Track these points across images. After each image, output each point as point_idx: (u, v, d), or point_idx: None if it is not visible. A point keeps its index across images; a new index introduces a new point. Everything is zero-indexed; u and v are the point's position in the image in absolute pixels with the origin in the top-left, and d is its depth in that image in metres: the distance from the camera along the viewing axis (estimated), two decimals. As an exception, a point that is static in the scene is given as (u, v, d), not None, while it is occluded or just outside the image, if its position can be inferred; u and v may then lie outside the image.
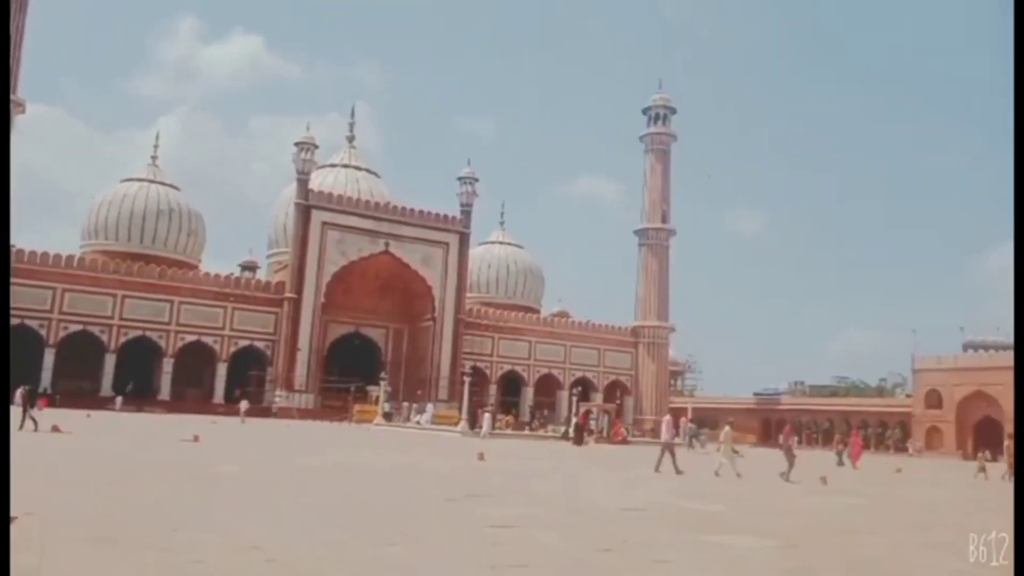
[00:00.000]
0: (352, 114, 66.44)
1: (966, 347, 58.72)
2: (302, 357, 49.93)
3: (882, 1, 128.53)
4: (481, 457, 18.10)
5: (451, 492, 10.89)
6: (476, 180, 57.35)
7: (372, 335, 57.03)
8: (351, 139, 64.66)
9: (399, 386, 52.57)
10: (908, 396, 62.32)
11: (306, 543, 6.08)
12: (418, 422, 41.42)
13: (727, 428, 19.65)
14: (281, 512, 8.02)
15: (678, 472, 16.99)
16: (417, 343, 56.43)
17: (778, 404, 70.55)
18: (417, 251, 54.46)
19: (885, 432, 62.06)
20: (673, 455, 17.90)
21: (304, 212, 51.14)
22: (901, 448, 55.64)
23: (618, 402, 58.50)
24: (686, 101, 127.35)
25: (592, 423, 43.80)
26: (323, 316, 51.87)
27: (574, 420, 43.45)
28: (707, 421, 64.33)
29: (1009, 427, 51.28)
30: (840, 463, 26.88)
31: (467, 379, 39.31)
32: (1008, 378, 52.90)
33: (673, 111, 63.44)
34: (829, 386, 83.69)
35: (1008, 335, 57.31)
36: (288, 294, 50.22)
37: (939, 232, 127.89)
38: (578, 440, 33.22)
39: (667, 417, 20.56)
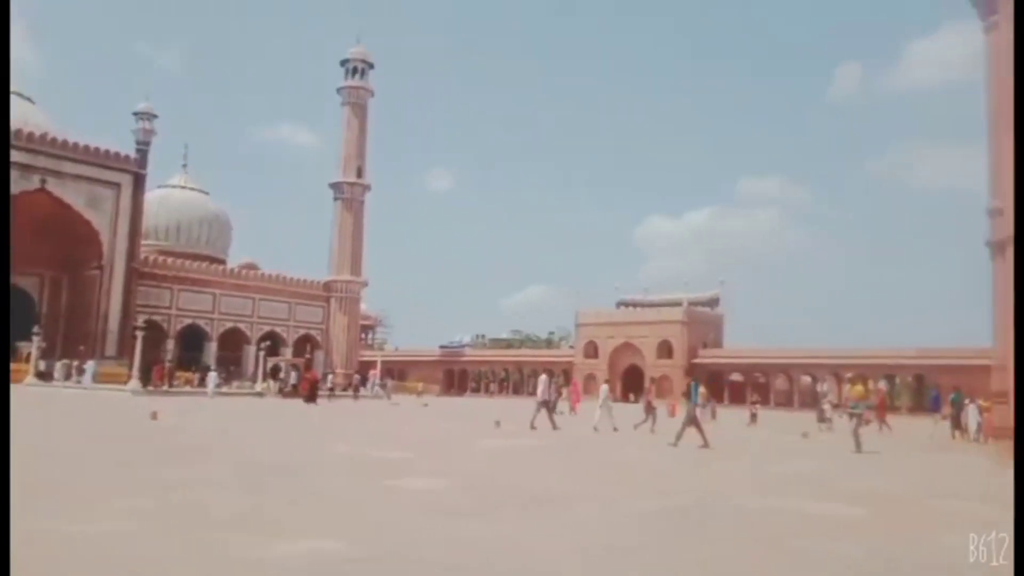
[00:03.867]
0: (-4, 24, 56.43)
1: (619, 304, 66.91)
2: (-74, 309, 42.10)
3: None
4: (154, 416, 16.99)
5: (118, 456, 10.20)
6: (155, 116, 52.22)
7: (23, 284, 49.65)
8: (-5, 54, 54.97)
9: (57, 342, 46.75)
10: (571, 347, 69.67)
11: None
12: (78, 381, 37.32)
13: (604, 386, 20.62)
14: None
15: (555, 428, 18.01)
16: (81, 294, 50.39)
17: (462, 356, 74.88)
18: (82, 191, 48.35)
19: (552, 379, 68.57)
20: (550, 412, 18.90)
21: (-70, 136, 42.67)
22: (561, 393, 62.13)
23: (308, 356, 57.73)
24: (386, 57, 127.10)
25: (287, 378, 42.99)
26: (-44, 261, 44.03)
27: (289, 375, 42.27)
28: (396, 373, 66.42)
29: (651, 372, 59.90)
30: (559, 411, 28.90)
31: (139, 333, 36.18)
32: (650, 331, 61.63)
33: (371, 66, 63.08)
34: (506, 339, 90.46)
35: (652, 294, 66.55)
36: (-94, 233, 41.82)
37: (604, 202, 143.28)
38: (310, 397, 32.18)
39: (543, 376, 21.02)
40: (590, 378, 60.83)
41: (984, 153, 18.06)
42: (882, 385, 26.39)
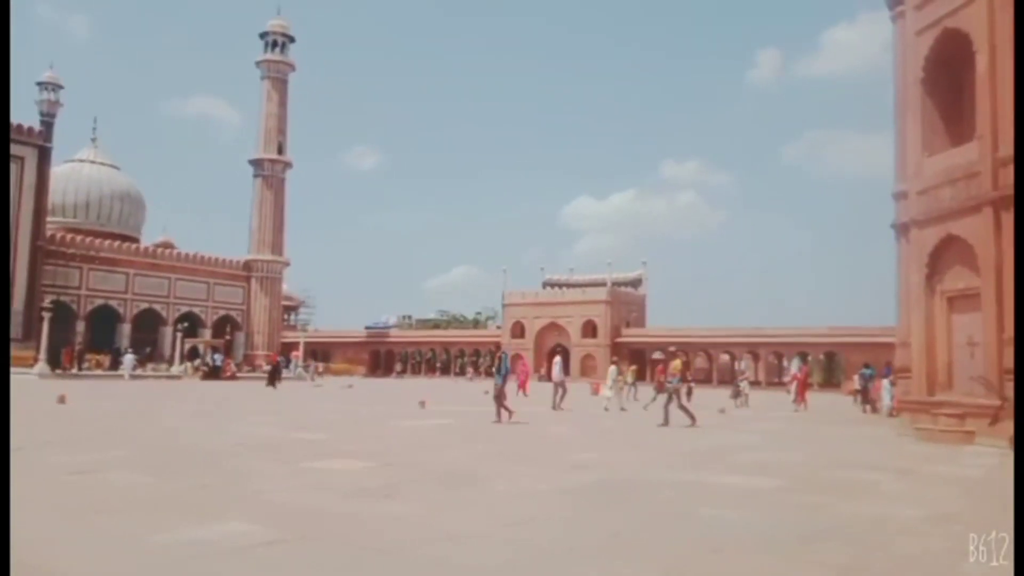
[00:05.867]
0: None
1: (545, 285, 67.46)
2: None
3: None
4: (62, 400, 16.28)
5: (18, 440, 9.72)
6: (60, 87, 49.71)
7: (-85, 262, 46.90)
8: None
9: (-45, 324, 44.24)
10: (498, 327, 69.94)
11: None
12: (-20, 365, 35.46)
13: (613, 367, 20.85)
14: None
15: (558, 408, 18.20)
16: (-20, 273, 47.78)
17: (387, 337, 74.31)
18: (-20, 164, 45.71)
19: (478, 359, 68.97)
20: (563, 393, 19.13)
21: None
22: (491, 374, 62.40)
23: (228, 338, 56.23)
24: (308, 31, 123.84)
25: (207, 360, 41.87)
26: None
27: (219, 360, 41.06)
28: (320, 355, 65.38)
29: (577, 351, 60.58)
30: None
31: (46, 315, 34.57)
32: (575, 311, 62.37)
33: (291, 39, 61.38)
34: (433, 319, 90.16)
35: (577, 274, 67.30)
36: None
37: (531, 183, 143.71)
38: (272, 381, 31.48)
39: (557, 358, 21.44)
40: (516, 358, 61.17)
41: (892, 139, 18.79)
42: (797, 363, 27.19)
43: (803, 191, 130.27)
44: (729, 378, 40.45)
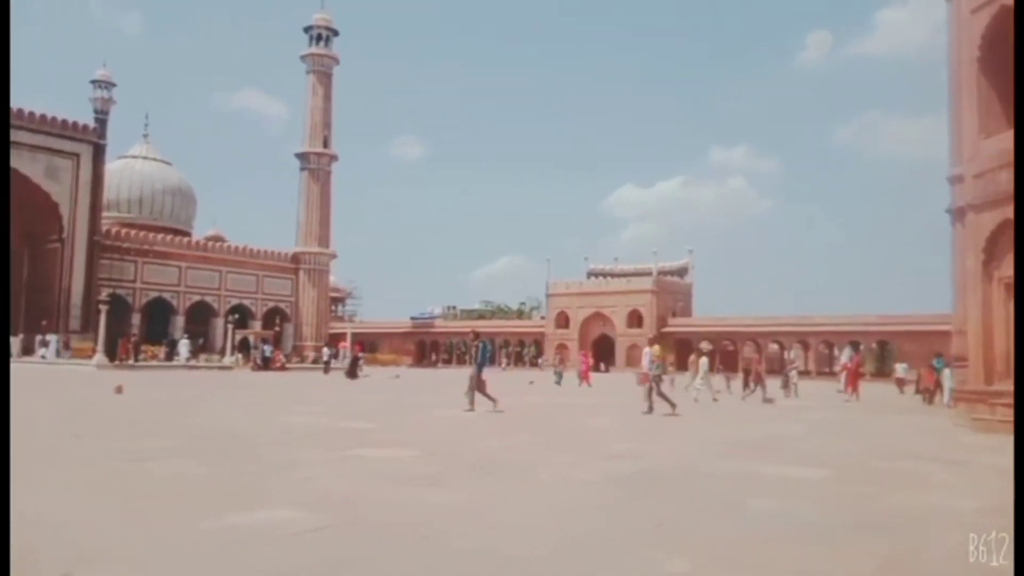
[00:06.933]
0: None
1: (589, 274, 67.18)
2: None
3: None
4: (119, 390, 16.76)
5: (77, 429, 10.05)
6: (113, 85, 51.02)
7: (-20, 258, 48.72)
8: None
9: (19, 317, 45.85)
10: (542, 318, 69.90)
11: None
12: (43, 356, 36.75)
13: (704, 358, 20.56)
14: None
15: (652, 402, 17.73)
16: (41, 268, 49.39)
17: (433, 327, 74.80)
18: (39, 162, 47.19)
19: (523, 350, 69.08)
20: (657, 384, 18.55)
21: None
22: (536, 364, 62.56)
23: (277, 329, 57.33)
24: (353, 23, 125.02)
25: (257, 352, 42.70)
26: (-91, 235, 42.86)
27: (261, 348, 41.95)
28: (367, 345, 66.18)
29: (622, 341, 60.34)
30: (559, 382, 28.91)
31: (103, 307, 35.61)
32: (620, 301, 62.04)
33: (336, 32, 61.99)
34: (477, 310, 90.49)
35: (622, 263, 66.88)
36: None
37: (574, 173, 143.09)
38: (352, 373, 31.96)
39: (647, 349, 20.83)
40: (561, 348, 61.15)
41: (946, 121, 18.25)
42: (848, 352, 26.55)
43: (854, 175, 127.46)
44: (778, 368, 39.80)
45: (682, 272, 65.90)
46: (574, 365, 39.87)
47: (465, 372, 15.99)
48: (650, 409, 14.45)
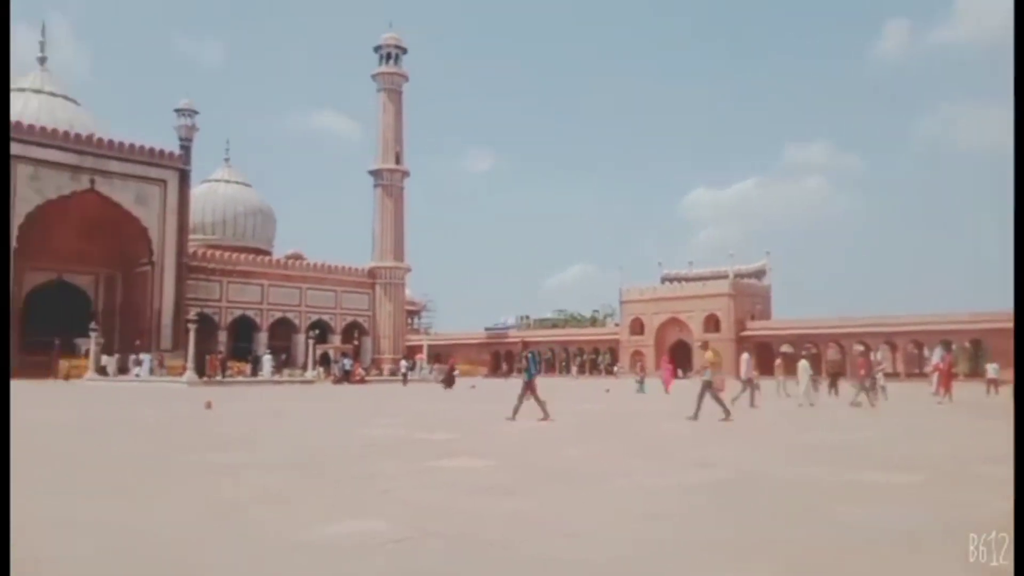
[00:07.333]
0: (43, 31, 58.11)
1: (663, 279, 66.36)
2: (-9, 310, 43.80)
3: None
4: (208, 405, 17.42)
5: (171, 443, 10.48)
6: (196, 113, 53.24)
7: (79, 283, 51.43)
8: (43, 60, 56.45)
9: (114, 337, 48.19)
10: (616, 325, 69.36)
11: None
12: (137, 374, 38.49)
13: (804, 362, 20.45)
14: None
15: (755, 407, 17.90)
16: (134, 290, 51.87)
17: (507, 338, 75.14)
18: (129, 189, 49.60)
19: (598, 357, 68.67)
20: (753, 391, 18.74)
21: (-16, 143, 44.13)
22: (611, 372, 62.08)
23: (356, 343, 58.63)
24: (421, 38, 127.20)
25: (338, 365, 43.81)
26: (17, 263, 45.60)
27: (343, 362, 43.14)
28: (442, 357, 66.94)
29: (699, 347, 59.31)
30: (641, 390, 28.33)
31: (192, 326, 37.09)
32: (696, 306, 61.07)
33: (404, 51, 63.24)
34: (550, 319, 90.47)
35: (697, 267, 65.84)
36: (-32, 238, 43.37)
37: (645, 178, 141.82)
38: (448, 383, 32.73)
39: (745, 355, 21.00)
40: (637, 355, 60.62)
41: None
42: (940, 352, 25.36)
43: (939, 168, 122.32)
44: (903, 369, 38.31)
45: (759, 274, 64.44)
46: (652, 372, 39.43)
47: (541, 381, 15.97)
48: (695, 415, 14.07)
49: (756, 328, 58.97)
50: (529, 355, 15.17)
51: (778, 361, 28.85)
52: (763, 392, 20.41)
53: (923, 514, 5.53)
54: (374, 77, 63.04)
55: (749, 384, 19.14)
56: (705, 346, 16.61)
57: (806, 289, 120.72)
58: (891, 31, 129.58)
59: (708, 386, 14.68)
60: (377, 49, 62.75)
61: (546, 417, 13.80)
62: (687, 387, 22.43)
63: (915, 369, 51.09)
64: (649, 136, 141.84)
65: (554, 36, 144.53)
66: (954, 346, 50.10)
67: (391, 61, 62.59)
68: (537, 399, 14.21)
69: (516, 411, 14.09)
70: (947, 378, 22.76)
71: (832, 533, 4.92)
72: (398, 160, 62.63)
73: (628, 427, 13.91)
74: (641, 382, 29.86)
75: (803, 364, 20.71)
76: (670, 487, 6.77)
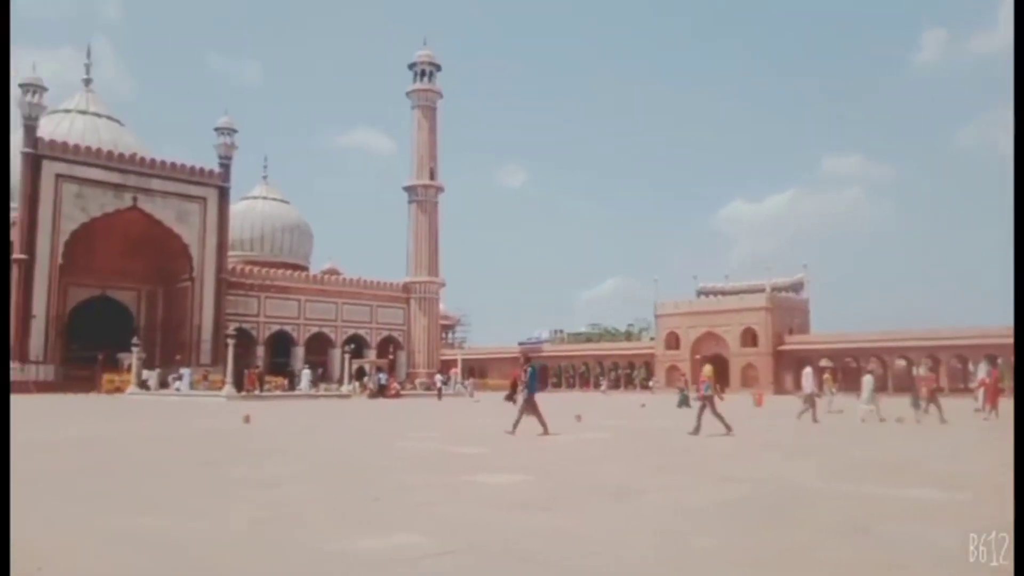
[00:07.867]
0: (88, 54, 59.82)
1: (699, 293, 65.73)
2: (38, 325, 44.91)
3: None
4: (247, 420, 17.64)
5: (211, 457, 10.62)
6: (235, 131, 54.27)
7: (122, 298, 52.57)
8: (88, 82, 58.11)
9: (155, 352, 49.09)
10: (652, 339, 68.80)
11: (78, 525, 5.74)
12: (177, 388, 39.11)
13: (868, 376, 20.30)
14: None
15: (815, 421, 17.83)
16: (175, 305, 52.86)
17: (540, 352, 74.93)
18: (171, 207, 50.68)
19: (632, 372, 68.12)
20: (814, 405, 18.54)
21: (33, 163, 45.44)
22: (646, 386, 61.50)
23: (391, 357, 58.96)
24: (455, 55, 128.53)
25: (373, 380, 44.10)
26: (62, 279, 46.80)
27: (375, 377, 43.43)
28: (476, 371, 67.01)
29: (737, 361, 58.59)
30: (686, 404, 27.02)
31: (231, 341, 37.62)
32: (733, 319, 60.40)
33: (438, 68, 63.84)
34: (584, 333, 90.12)
35: (733, 281, 65.16)
36: (17, 255, 44.66)
37: (680, 191, 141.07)
38: (511, 397, 32.68)
39: (807, 368, 20.90)
40: (672, 369, 60.03)
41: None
42: (985, 366, 24.66)
43: (979, 179, 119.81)
44: (907, 385, 37.52)
45: (797, 288, 63.55)
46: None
47: (576, 396, 15.89)
48: (697, 430, 13.90)
49: (794, 342, 58.08)
50: (530, 369, 14.71)
51: (826, 375, 28.21)
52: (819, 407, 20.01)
53: (964, 533, 5.38)
54: (409, 94, 63.70)
55: (811, 400, 18.87)
56: (704, 363, 16.52)
57: (846, 303, 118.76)
58: (929, 41, 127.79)
59: (708, 401, 14.51)
60: (411, 66, 63.44)
61: (545, 432, 13.64)
62: (725, 403, 22.02)
63: (960, 384, 49.85)
64: (685, 149, 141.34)
65: (589, 51, 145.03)
66: (1000, 360, 48.81)
67: (425, 78, 63.22)
68: (538, 414, 14.02)
69: (516, 425, 13.93)
70: (993, 393, 22.16)
71: (873, 551, 4.81)
72: (432, 176, 63.11)
73: (665, 442, 13.77)
74: (685, 396, 28.45)
75: (867, 379, 20.35)
76: (709, 503, 6.68)
